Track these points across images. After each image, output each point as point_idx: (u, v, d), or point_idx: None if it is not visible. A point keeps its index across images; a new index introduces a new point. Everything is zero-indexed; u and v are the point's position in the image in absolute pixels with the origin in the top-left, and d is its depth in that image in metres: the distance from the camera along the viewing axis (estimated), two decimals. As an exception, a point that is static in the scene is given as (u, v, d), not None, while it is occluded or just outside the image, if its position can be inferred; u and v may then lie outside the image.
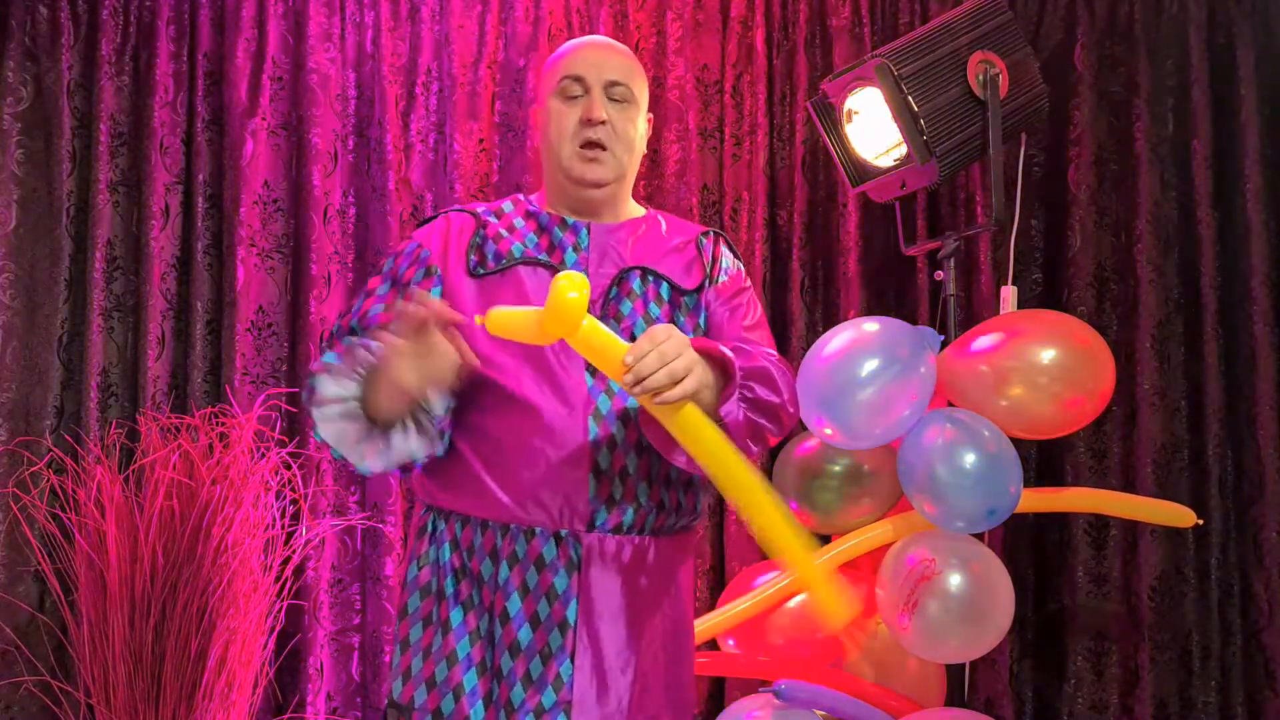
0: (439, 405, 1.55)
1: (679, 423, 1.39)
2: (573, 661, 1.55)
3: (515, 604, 1.58)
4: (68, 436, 3.03)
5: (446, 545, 1.64)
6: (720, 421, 1.45)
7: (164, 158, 3.12)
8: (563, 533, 1.57)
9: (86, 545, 2.73)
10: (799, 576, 1.43)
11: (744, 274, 1.75)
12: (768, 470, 2.99)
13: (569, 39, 3.17)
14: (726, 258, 1.74)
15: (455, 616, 1.60)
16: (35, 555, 2.88)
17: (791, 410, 1.57)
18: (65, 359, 3.09)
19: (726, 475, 1.40)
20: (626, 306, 1.63)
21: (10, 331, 3.06)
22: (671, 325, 1.43)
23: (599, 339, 1.36)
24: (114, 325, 3.11)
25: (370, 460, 1.56)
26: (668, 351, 1.37)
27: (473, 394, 1.61)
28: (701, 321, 1.68)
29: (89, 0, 3.14)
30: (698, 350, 1.47)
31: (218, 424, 2.85)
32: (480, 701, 1.57)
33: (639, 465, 1.59)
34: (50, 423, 3.06)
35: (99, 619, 2.71)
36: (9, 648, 2.94)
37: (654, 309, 1.65)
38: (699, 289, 1.69)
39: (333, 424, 1.54)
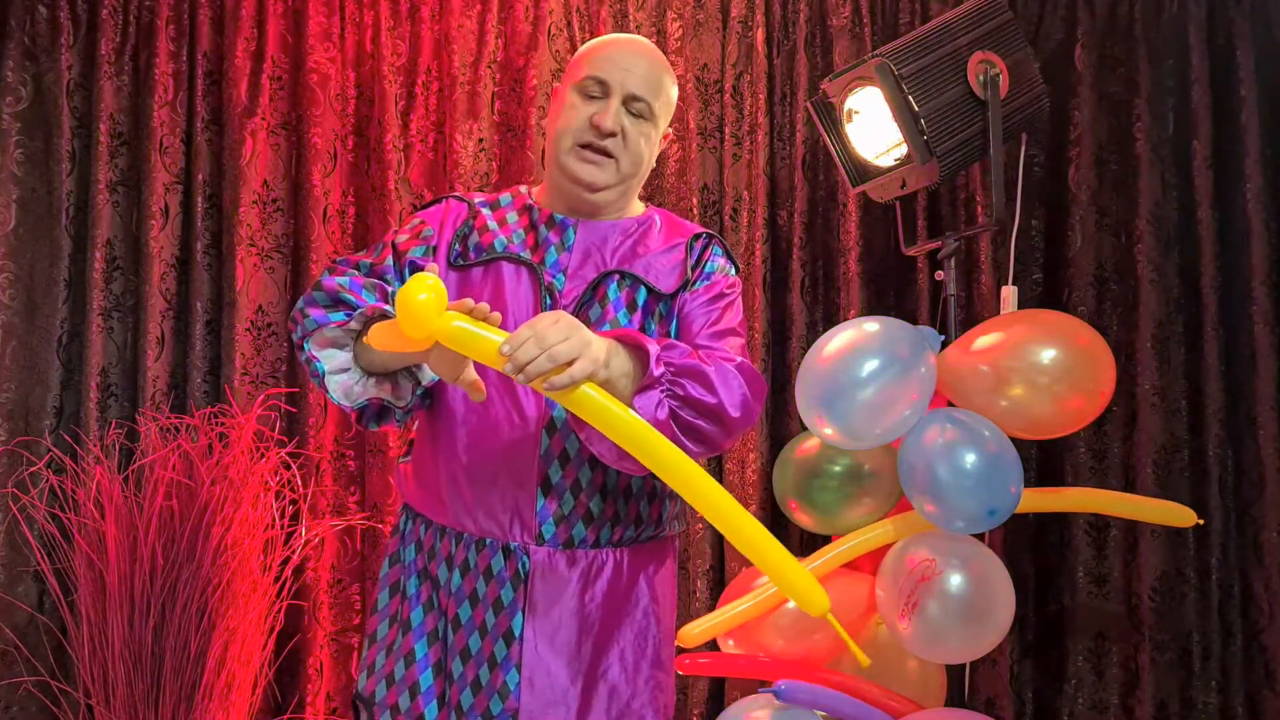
0: (427, 376, 1.56)
1: (579, 405, 1.35)
2: (519, 672, 1.56)
3: (466, 611, 1.59)
4: (67, 436, 3.03)
5: (413, 546, 1.66)
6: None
7: (163, 157, 3.12)
8: (512, 545, 1.58)
9: (86, 545, 2.73)
10: (760, 566, 1.41)
11: (730, 280, 1.69)
12: (767, 470, 3.00)
13: (569, 39, 3.19)
14: (713, 261, 1.69)
15: (415, 616, 1.63)
16: (35, 555, 2.88)
17: (736, 415, 1.50)
18: (65, 359, 3.09)
19: (643, 454, 1.36)
20: (595, 313, 1.61)
21: (10, 331, 3.06)
22: (562, 312, 1.39)
23: (467, 335, 1.33)
24: (114, 325, 3.11)
25: (339, 392, 1.54)
26: (548, 336, 1.33)
27: (439, 402, 1.63)
28: (673, 328, 1.64)
29: (89, 0, 3.14)
30: (619, 339, 1.45)
31: (217, 424, 2.85)
32: (435, 701, 1.59)
33: (592, 479, 1.59)
34: (50, 423, 3.06)
35: (98, 619, 2.71)
36: (9, 648, 2.94)
37: (623, 317, 1.62)
38: (675, 294, 1.64)
39: (322, 349, 1.54)
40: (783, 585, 1.41)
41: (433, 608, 1.62)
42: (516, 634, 1.56)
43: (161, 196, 3.11)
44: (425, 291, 1.30)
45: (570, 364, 1.34)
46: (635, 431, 1.35)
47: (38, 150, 3.13)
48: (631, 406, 1.42)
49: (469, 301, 1.36)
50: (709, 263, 1.68)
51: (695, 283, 1.66)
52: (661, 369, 1.45)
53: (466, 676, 1.58)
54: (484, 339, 1.33)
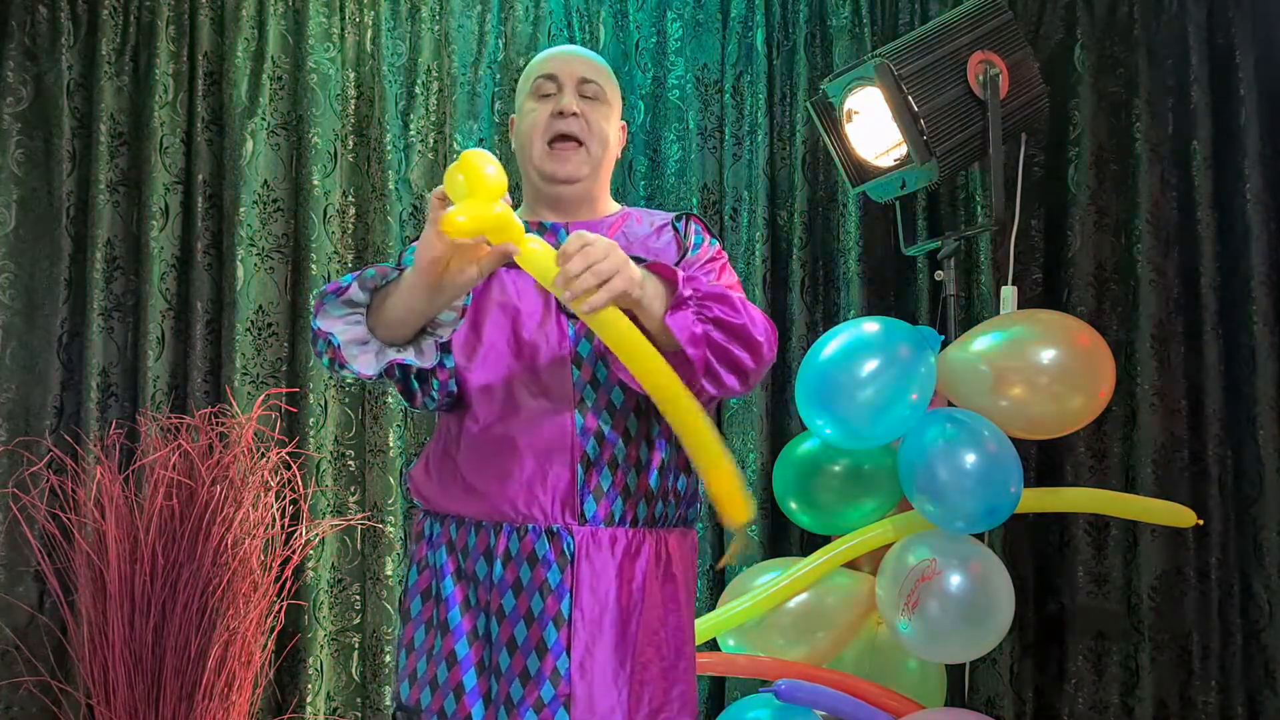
0: (446, 327, 1.55)
1: (604, 327, 1.41)
2: (569, 655, 1.56)
3: (510, 601, 1.59)
4: (68, 436, 3.03)
5: (443, 548, 1.66)
6: (668, 332, 1.47)
7: (164, 158, 3.12)
8: (555, 527, 1.59)
9: (86, 545, 2.73)
10: (711, 475, 1.55)
11: (717, 248, 1.76)
12: (767, 470, 3.00)
13: (569, 39, 3.19)
14: (698, 235, 1.76)
15: (453, 618, 1.62)
16: (35, 555, 2.88)
17: (760, 338, 1.56)
18: (65, 359, 3.09)
19: (650, 381, 1.45)
20: None
21: (10, 331, 3.06)
22: (597, 235, 1.42)
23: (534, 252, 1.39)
24: (114, 325, 3.11)
25: (361, 363, 1.52)
26: (593, 253, 1.37)
27: (462, 397, 1.64)
28: None
29: (89, 0, 3.14)
30: (650, 268, 1.50)
31: (218, 424, 2.85)
32: (480, 700, 1.59)
33: (627, 454, 1.62)
34: (50, 423, 3.06)
35: (99, 619, 2.71)
36: (9, 648, 2.95)
37: None
38: (677, 265, 1.69)
39: (336, 323, 1.53)
40: (715, 488, 1.55)
41: (470, 606, 1.62)
42: (566, 616, 1.57)
43: (161, 196, 3.11)
44: (489, 163, 1.34)
45: (607, 281, 1.38)
46: (647, 361, 1.43)
47: (38, 150, 3.13)
48: (665, 325, 1.47)
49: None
50: (695, 236, 1.76)
51: (689, 251, 1.73)
52: (690, 290, 1.51)
53: (514, 668, 1.57)
54: (541, 254, 1.39)
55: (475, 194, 1.34)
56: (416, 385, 1.60)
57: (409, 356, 1.54)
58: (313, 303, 1.59)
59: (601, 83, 1.73)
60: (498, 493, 1.60)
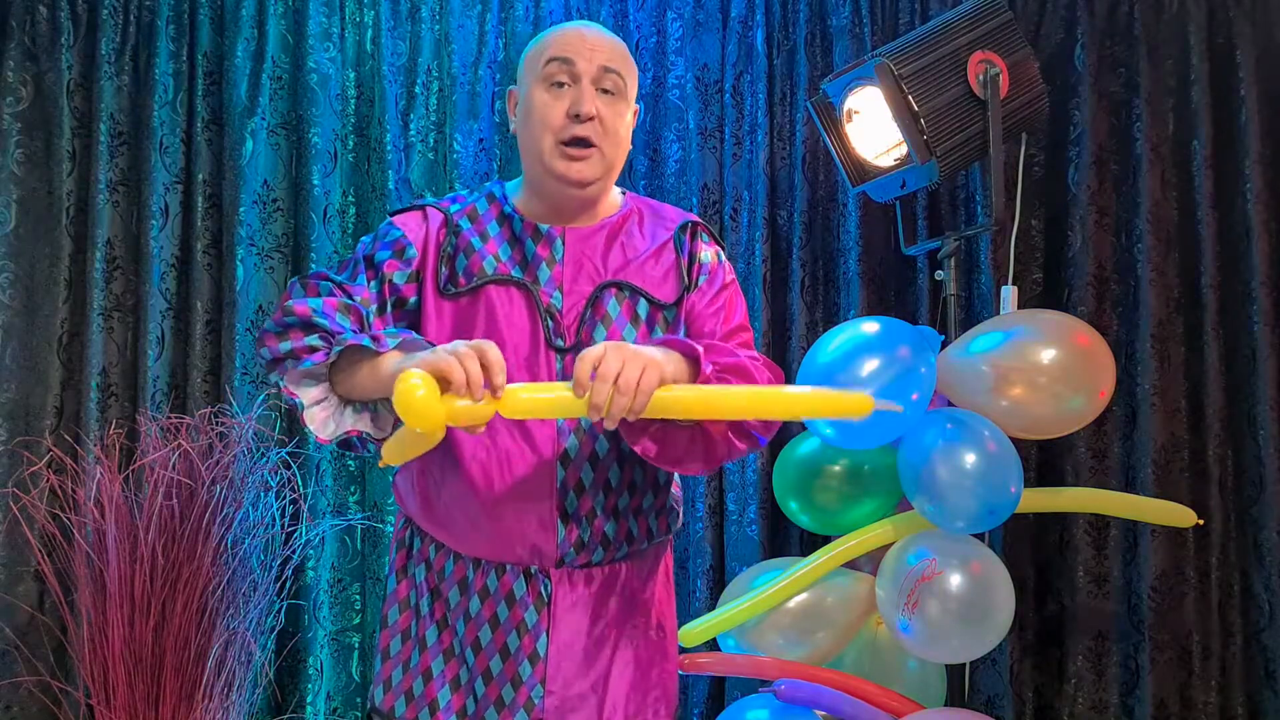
0: None
1: (654, 408, 1.38)
2: (544, 686, 1.58)
3: (486, 635, 1.60)
4: (67, 436, 3.03)
5: (423, 565, 1.65)
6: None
7: (164, 157, 3.12)
8: (532, 569, 1.59)
9: (86, 545, 2.73)
10: (818, 406, 1.53)
11: (724, 266, 1.68)
12: (767, 470, 3.00)
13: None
14: (705, 252, 1.66)
15: (430, 635, 1.63)
16: (35, 555, 2.88)
17: None
18: (65, 359, 3.09)
19: (729, 409, 1.43)
20: (601, 333, 1.58)
21: (10, 331, 3.06)
22: (608, 345, 1.37)
23: (536, 405, 1.38)
24: (114, 325, 3.11)
25: (318, 425, 1.46)
26: (625, 373, 1.33)
27: (447, 437, 1.60)
28: (681, 331, 1.65)
29: (89, 0, 3.14)
30: (665, 344, 1.46)
31: (218, 424, 2.85)
32: (454, 716, 1.60)
33: (607, 504, 1.59)
34: (50, 423, 3.05)
35: (99, 619, 2.71)
36: (9, 648, 2.95)
37: (629, 333, 1.60)
38: (678, 300, 1.63)
39: (298, 381, 1.46)
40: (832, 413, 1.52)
41: (446, 626, 1.63)
42: (542, 654, 1.58)
43: (162, 196, 3.11)
44: (422, 386, 1.27)
45: (639, 385, 1.34)
46: (715, 399, 1.41)
47: (38, 150, 3.13)
48: None
49: (456, 372, 1.31)
50: (702, 254, 1.67)
51: (696, 281, 1.65)
52: (709, 367, 1.46)
53: (490, 696, 1.59)
54: (549, 401, 1.38)
55: (412, 425, 1.29)
56: (356, 440, 1.50)
57: (365, 427, 1.47)
58: (278, 339, 1.47)
59: (623, 72, 1.58)
60: (477, 535, 1.59)
